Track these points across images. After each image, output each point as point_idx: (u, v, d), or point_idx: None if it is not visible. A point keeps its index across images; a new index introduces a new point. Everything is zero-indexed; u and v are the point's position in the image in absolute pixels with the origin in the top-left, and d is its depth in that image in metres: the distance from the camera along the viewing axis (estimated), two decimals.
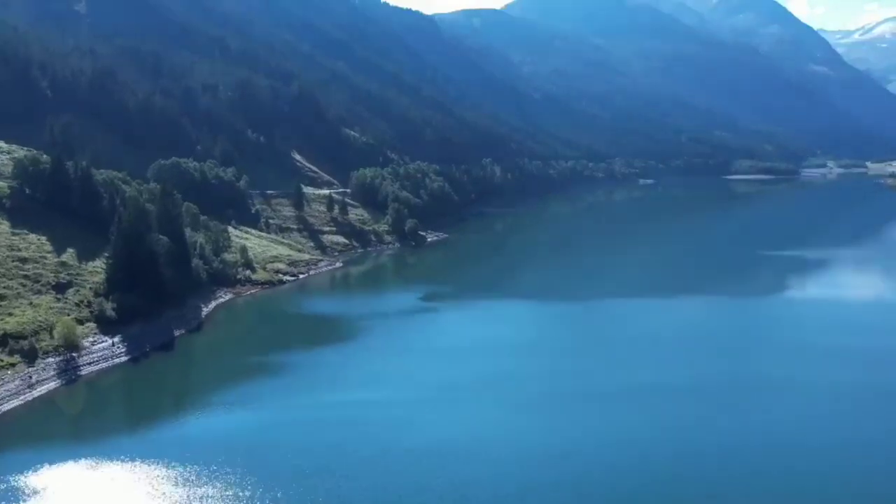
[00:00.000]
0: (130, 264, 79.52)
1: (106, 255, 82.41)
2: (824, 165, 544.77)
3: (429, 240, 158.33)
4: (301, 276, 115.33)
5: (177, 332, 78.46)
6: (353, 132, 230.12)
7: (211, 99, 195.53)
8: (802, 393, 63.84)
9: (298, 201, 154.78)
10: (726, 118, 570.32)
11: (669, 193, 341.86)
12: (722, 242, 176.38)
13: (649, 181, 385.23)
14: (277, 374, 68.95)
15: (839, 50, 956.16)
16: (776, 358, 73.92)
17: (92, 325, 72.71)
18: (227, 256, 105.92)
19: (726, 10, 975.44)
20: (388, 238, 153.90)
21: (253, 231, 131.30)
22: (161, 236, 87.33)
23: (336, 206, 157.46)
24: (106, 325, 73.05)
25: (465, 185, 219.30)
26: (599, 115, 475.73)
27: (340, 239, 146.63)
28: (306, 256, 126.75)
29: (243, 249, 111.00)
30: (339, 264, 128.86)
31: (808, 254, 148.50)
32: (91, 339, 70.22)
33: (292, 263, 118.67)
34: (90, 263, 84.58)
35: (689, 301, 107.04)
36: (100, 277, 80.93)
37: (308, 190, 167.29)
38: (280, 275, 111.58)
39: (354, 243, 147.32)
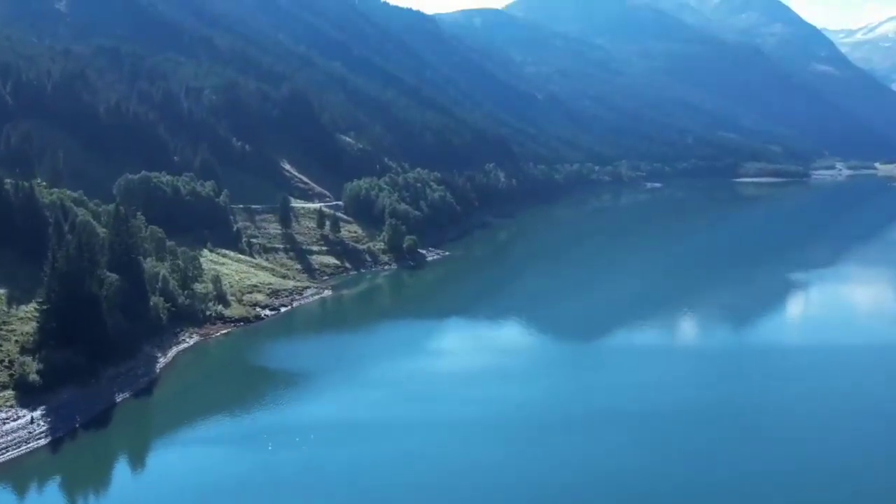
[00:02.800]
0: (67, 311, 65.28)
1: (39, 299, 68.05)
2: (833, 167, 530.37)
3: (429, 259, 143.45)
4: (283, 308, 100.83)
5: (119, 397, 63.74)
6: (348, 138, 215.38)
7: (193, 103, 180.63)
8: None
9: (285, 217, 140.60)
10: (730, 119, 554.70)
11: (677, 197, 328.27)
12: (741, 259, 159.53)
13: (657, 184, 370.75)
14: (226, 464, 55.10)
15: (842, 49, 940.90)
16: (805, 438, 60.35)
17: (9, 393, 58.40)
18: (198, 287, 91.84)
19: (728, 9, 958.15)
20: (384, 258, 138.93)
21: (231, 254, 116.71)
22: (110, 273, 73.15)
23: (327, 222, 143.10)
24: (27, 394, 58.66)
25: (467, 193, 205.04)
26: (602, 116, 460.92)
27: (331, 260, 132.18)
28: (291, 283, 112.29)
29: (216, 279, 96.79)
30: (327, 292, 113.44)
31: (832, 274, 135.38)
32: (4, 414, 55.98)
33: (273, 293, 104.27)
34: (23, 308, 70.12)
35: (702, 346, 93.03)
36: (31, 326, 66.72)
37: (297, 203, 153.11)
38: (258, 308, 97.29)
39: (346, 264, 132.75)
